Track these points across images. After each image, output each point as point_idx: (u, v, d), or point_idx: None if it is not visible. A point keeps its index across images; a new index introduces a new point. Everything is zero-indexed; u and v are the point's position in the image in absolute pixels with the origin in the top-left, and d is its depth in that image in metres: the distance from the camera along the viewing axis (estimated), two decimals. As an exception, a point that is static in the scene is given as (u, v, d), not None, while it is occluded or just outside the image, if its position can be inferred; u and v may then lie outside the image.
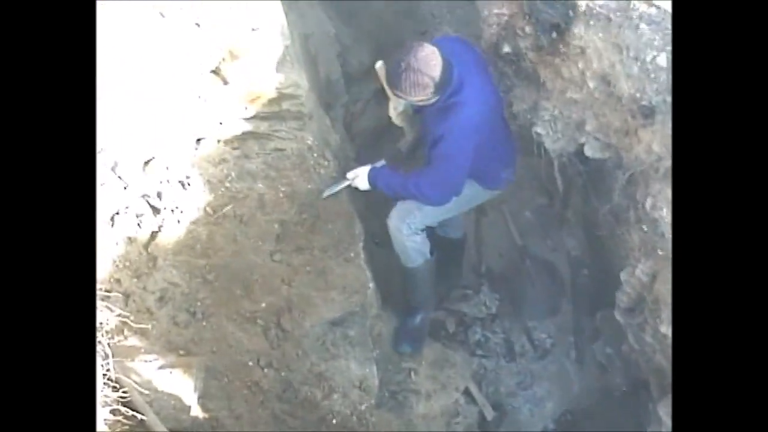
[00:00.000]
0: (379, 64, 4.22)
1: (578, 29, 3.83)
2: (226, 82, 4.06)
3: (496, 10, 4.36)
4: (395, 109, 4.36)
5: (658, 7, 3.58)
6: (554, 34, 3.96)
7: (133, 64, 3.73)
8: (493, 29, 4.41)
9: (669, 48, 3.54)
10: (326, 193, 4.35)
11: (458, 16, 5.86)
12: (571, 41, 3.90)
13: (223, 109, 4.14)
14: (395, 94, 4.07)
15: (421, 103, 4.06)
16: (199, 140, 4.19)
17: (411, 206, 4.43)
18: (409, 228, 4.49)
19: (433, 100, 4.00)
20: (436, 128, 4.05)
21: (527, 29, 4.12)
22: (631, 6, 3.63)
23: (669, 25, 3.56)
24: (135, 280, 3.96)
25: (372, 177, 4.30)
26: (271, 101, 4.21)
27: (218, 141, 4.23)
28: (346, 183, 4.36)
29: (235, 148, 4.27)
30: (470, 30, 5.19)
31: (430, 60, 3.85)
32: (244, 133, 4.25)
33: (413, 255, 4.59)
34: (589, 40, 3.80)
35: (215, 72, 4.04)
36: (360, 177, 4.33)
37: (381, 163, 4.41)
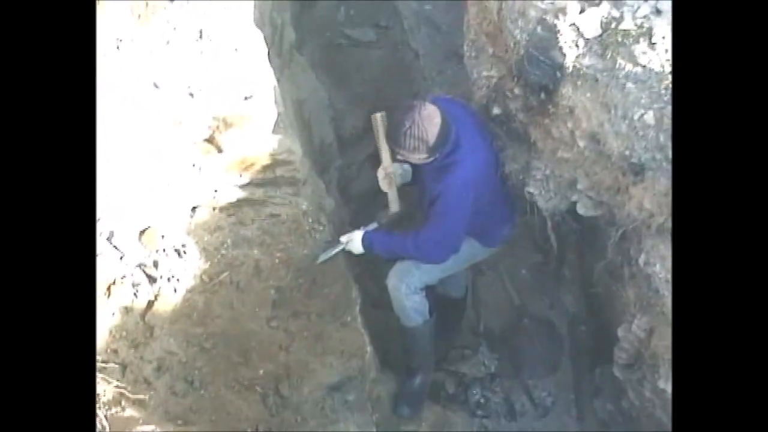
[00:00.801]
0: (378, 115, 4.28)
1: (566, 90, 3.88)
2: (220, 150, 4.09)
3: (485, 73, 4.43)
4: (384, 169, 4.37)
5: (644, 66, 3.64)
6: (543, 95, 4.01)
7: (127, 133, 3.77)
8: (482, 91, 4.47)
9: (656, 106, 3.58)
10: (321, 259, 4.35)
11: (448, 78, 5.95)
12: (560, 101, 3.95)
13: (218, 176, 4.18)
14: (396, 153, 4.12)
15: (420, 162, 4.11)
16: (194, 208, 4.22)
17: (409, 265, 4.43)
18: (408, 287, 4.49)
19: (431, 159, 4.06)
20: (433, 187, 4.10)
21: (516, 91, 4.17)
22: (617, 66, 3.68)
23: (655, 84, 3.61)
24: (132, 350, 3.96)
25: (366, 241, 4.32)
26: (265, 168, 4.25)
27: (213, 208, 4.26)
28: (340, 247, 4.36)
29: (230, 215, 4.30)
30: (460, 91, 5.25)
31: (432, 119, 3.94)
32: (239, 200, 4.28)
33: (412, 315, 4.58)
34: (578, 100, 3.85)
35: (209, 140, 4.07)
36: (354, 241, 4.34)
37: (373, 225, 4.43)
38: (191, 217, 4.21)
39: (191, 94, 3.88)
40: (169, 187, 4.04)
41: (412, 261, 4.38)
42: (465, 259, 4.57)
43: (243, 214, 4.30)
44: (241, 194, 4.27)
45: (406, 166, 4.42)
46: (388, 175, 4.39)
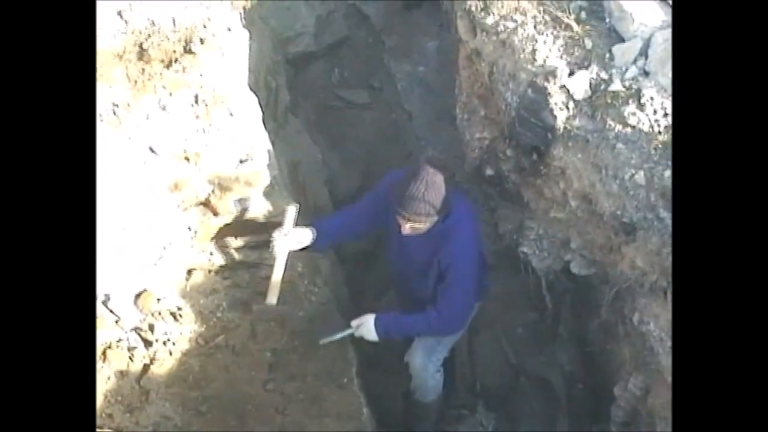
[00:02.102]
0: (292, 207, 4.08)
1: (557, 151, 3.94)
2: (216, 214, 4.12)
3: (477, 134, 4.49)
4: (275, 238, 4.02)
5: (633, 127, 3.69)
6: (535, 156, 4.07)
7: (123, 197, 3.80)
8: (475, 153, 4.53)
9: (646, 166, 3.63)
10: (324, 341, 4.19)
11: (442, 138, 6.00)
12: (552, 162, 4.00)
13: (214, 239, 4.20)
14: (407, 219, 3.85)
15: (424, 228, 3.92)
16: (190, 271, 4.24)
17: (432, 342, 4.41)
18: (434, 365, 4.48)
19: (434, 224, 3.92)
20: (434, 255, 3.98)
21: (508, 152, 4.23)
22: (607, 127, 3.74)
23: (645, 144, 3.66)
24: (127, 414, 3.95)
25: (381, 327, 4.10)
26: (260, 230, 4.27)
27: (209, 271, 4.27)
28: (349, 332, 4.17)
29: (225, 278, 4.31)
30: (454, 152, 5.31)
31: (439, 182, 3.78)
32: (234, 263, 4.30)
33: (431, 392, 4.58)
34: (569, 161, 3.90)
35: (205, 204, 4.11)
36: (365, 325, 4.12)
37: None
38: (187, 280, 4.22)
39: (187, 158, 3.92)
40: (165, 251, 4.06)
41: (433, 337, 4.34)
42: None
43: (238, 276, 4.31)
44: (237, 257, 4.29)
45: (307, 231, 4.10)
46: (279, 248, 4.01)
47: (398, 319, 4.17)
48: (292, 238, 3.99)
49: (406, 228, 3.89)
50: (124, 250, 3.90)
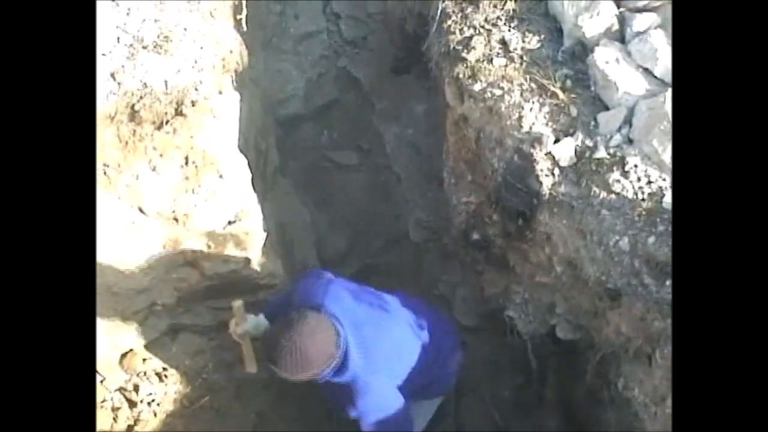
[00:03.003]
0: (237, 304, 3.85)
1: (543, 216, 3.98)
2: (203, 274, 4.14)
3: (464, 198, 4.53)
4: (234, 331, 3.85)
5: (617, 194, 3.74)
6: (521, 222, 4.11)
7: (111, 257, 3.81)
8: (462, 217, 4.57)
9: (630, 232, 3.67)
10: None
11: (429, 201, 6.05)
12: (537, 228, 4.04)
13: (201, 300, 4.21)
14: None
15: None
16: (176, 331, 4.24)
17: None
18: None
19: (321, 379, 3.46)
20: (345, 403, 3.61)
21: (495, 217, 4.26)
22: (592, 193, 3.79)
23: (629, 211, 3.71)
24: (111, 476, 3.91)
25: None
26: (248, 291, 4.28)
27: (195, 332, 4.27)
28: None
29: (211, 339, 4.30)
30: (441, 215, 5.35)
31: (315, 334, 3.31)
32: (220, 323, 4.30)
33: None
34: (554, 227, 3.94)
35: (192, 264, 4.12)
36: None
37: None
38: (173, 340, 4.22)
39: (176, 219, 3.95)
40: (151, 311, 4.07)
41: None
42: (429, 412, 4.26)
43: (224, 338, 4.31)
44: (223, 318, 4.29)
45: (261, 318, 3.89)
46: (240, 336, 3.85)
47: None
48: (247, 325, 3.81)
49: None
50: (111, 310, 3.90)
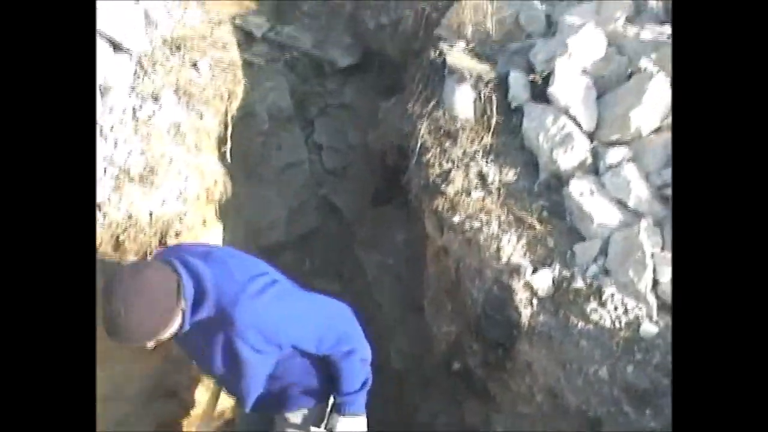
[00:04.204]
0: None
1: (523, 346, 4.01)
2: (186, 408, 4.12)
3: (445, 328, 4.57)
4: None
5: (595, 323, 3.80)
6: (501, 352, 4.14)
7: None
8: (442, 346, 4.59)
9: (609, 362, 3.71)
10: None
11: (410, 329, 6.06)
12: (517, 357, 4.07)
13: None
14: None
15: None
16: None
17: None
18: None
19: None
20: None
21: (475, 347, 4.29)
22: (570, 323, 3.84)
23: (607, 340, 3.76)
24: None
25: (349, 406, 3.43)
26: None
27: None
28: None
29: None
30: (422, 343, 5.35)
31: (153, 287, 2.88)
32: None
33: None
34: (534, 357, 3.97)
35: (173, 394, 4.11)
36: (342, 424, 3.41)
37: None
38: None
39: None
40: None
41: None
42: None
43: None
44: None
45: None
46: None
47: (348, 383, 3.42)
48: None
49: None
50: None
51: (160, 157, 4.11)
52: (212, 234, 4.20)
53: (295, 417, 3.57)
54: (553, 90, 4.33)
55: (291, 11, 6.69)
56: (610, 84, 4.38)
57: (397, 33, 5.77)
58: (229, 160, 4.67)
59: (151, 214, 4.02)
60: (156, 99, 4.32)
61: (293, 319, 3.21)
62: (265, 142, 6.58)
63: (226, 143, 4.80)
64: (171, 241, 3.99)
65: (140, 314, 2.81)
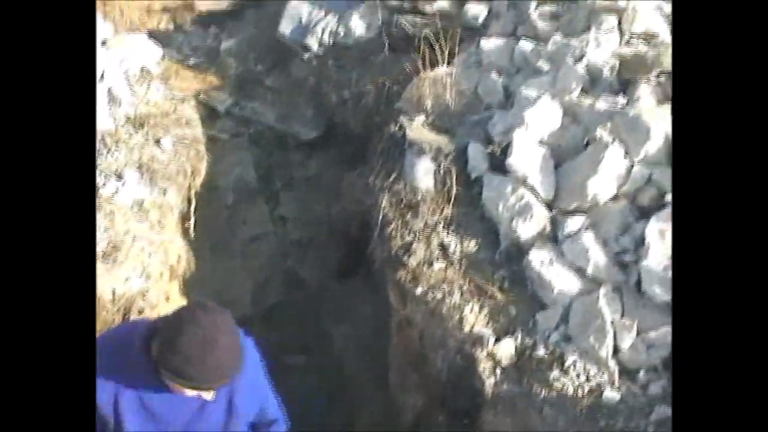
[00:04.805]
0: None
1: (488, 415, 4.02)
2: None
3: (411, 400, 4.57)
4: None
5: (558, 390, 3.82)
6: (466, 421, 4.15)
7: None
8: (409, 417, 4.59)
9: (573, 429, 3.73)
10: None
11: (378, 400, 6.04)
12: (483, 426, 4.07)
13: None
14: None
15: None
16: None
17: None
18: None
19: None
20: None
21: (441, 417, 4.30)
22: (533, 391, 3.86)
23: (570, 407, 3.77)
24: None
25: None
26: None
27: None
28: None
29: None
30: (389, 414, 5.33)
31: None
32: None
33: None
34: (499, 424, 3.97)
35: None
36: None
37: None
38: None
39: None
40: None
41: None
42: None
43: None
44: None
45: None
46: None
47: None
48: None
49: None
50: None
51: (124, 234, 4.13)
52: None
53: None
54: (511, 161, 4.42)
55: (254, 86, 6.79)
56: (567, 153, 4.48)
57: (359, 107, 5.88)
58: (192, 236, 4.70)
59: (113, 292, 4.02)
60: (119, 176, 4.35)
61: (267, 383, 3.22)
62: (230, 216, 6.62)
63: (189, 218, 4.83)
64: (134, 317, 3.98)
65: (222, 352, 2.62)
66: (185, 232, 4.72)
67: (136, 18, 6.40)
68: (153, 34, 6.33)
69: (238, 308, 6.36)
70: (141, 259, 4.13)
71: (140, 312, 3.99)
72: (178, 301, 4.26)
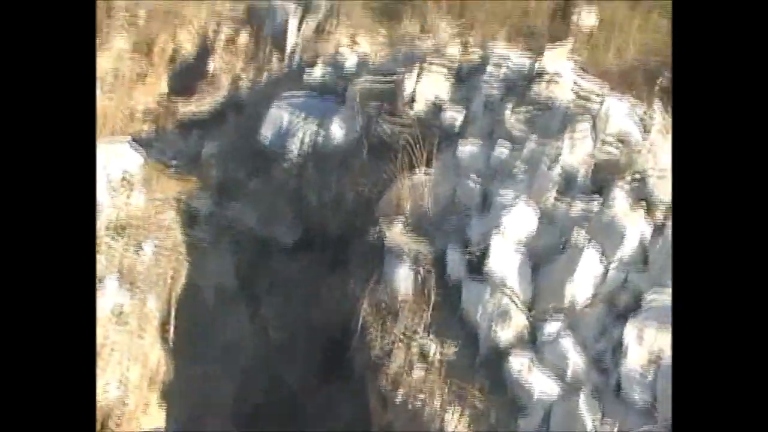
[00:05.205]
0: None
1: None
2: None
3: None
4: None
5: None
6: None
7: None
8: None
9: None
10: None
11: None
12: None
13: None
14: None
15: None
16: None
17: None
18: None
19: None
20: None
21: None
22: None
23: None
24: None
25: None
26: None
27: None
28: None
29: None
30: None
31: None
32: None
33: None
34: None
35: None
36: None
37: None
38: None
39: None
40: None
41: None
42: None
43: None
44: None
45: None
46: None
47: None
48: None
49: None
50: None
51: (102, 345, 4.11)
52: (155, 419, 4.15)
53: None
54: (489, 265, 4.46)
55: (235, 189, 6.83)
56: (545, 255, 4.54)
57: (339, 210, 5.92)
58: (172, 343, 4.68)
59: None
60: (100, 282, 4.36)
61: None
62: (211, 320, 6.58)
63: (169, 324, 4.81)
64: (113, 427, 3.94)
65: None
66: (165, 339, 4.69)
67: (119, 124, 6.46)
68: (135, 139, 6.38)
69: (219, 413, 6.29)
70: (120, 368, 4.11)
71: (119, 420, 3.95)
72: (157, 411, 4.21)
